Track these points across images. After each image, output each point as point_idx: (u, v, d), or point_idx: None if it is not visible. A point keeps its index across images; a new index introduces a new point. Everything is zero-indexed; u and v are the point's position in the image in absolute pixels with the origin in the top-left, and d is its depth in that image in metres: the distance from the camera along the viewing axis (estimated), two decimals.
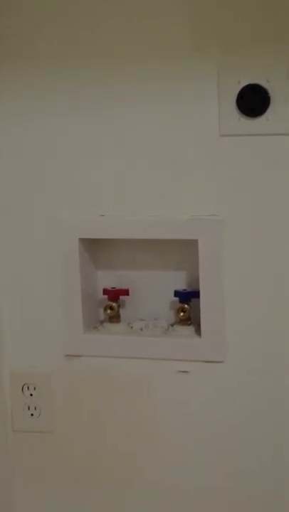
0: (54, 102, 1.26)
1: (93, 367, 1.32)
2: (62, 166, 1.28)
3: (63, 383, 1.34)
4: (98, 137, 1.26)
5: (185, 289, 1.30)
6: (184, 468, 1.32)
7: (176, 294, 1.30)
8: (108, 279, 1.34)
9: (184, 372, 1.29)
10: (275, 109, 1.17)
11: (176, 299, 1.30)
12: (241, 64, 1.17)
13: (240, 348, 1.26)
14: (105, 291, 1.32)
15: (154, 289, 1.32)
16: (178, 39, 1.19)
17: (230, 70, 1.18)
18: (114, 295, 1.32)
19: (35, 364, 1.35)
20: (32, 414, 1.36)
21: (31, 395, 1.36)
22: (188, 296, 1.29)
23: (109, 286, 1.33)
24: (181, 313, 1.30)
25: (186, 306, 1.29)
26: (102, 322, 1.35)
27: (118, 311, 1.32)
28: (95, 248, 1.33)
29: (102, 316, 1.36)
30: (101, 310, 1.35)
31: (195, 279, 1.27)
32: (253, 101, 1.17)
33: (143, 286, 1.32)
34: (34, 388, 1.35)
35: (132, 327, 1.32)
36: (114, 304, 1.32)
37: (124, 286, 1.32)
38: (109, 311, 1.32)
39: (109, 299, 1.32)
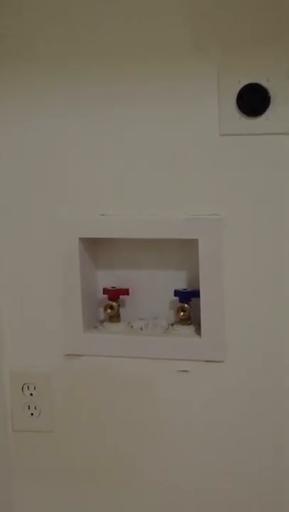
0: (54, 102, 1.26)
1: (93, 366, 1.32)
2: (62, 166, 1.28)
3: (63, 383, 1.34)
4: (98, 137, 1.26)
5: (185, 289, 1.30)
6: (184, 468, 1.32)
7: (176, 293, 1.30)
8: (108, 278, 1.34)
9: (184, 371, 1.29)
10: (275, 108, 1.17)
11: (176, 298, 1.30)
12: (241, 64, 1.18)
13: (240, 347, 1.26)
14: (105, 291, 1.32)
15: (154, 289, 1.32)
16: (178, 39, 1.19)
17: (230, 69, 1.18)
18: (114, 294, 1.32)
19: (35, 364, 1.35)
20: (32, 414, 1.36)
21: (31, 394, 1.36)
22: (188, 296, 1.29)
23: (109, 285, 1.33)
24: (181, 313, 1.30)
25: (186, 305, 1.29)
26: (102, 321, 1.35)
27: (118, 311, 1.33)
28: (95, 248, 1.33)
29: (102, 315, 1.36)
30: (101, 309, 1.35)
31: (195, 279, 1.27)
32: (253, 100, 1.17)
33: (143, 285, 1.33)
34: (34, 388, 1.35)
35: (132, 326, 1.32)
36: (114, 304, 1.32)
37: (124, 286, 1.32)
38: (109, 311, 1.32)
39: (110, 299, 1.33)
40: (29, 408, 1.36)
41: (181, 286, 1.31)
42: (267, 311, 1.24)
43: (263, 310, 1.24)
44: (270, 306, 1.24)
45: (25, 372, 1.36)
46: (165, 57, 1.20)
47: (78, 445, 1.36)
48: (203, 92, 1.20)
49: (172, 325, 1.32)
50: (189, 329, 1.30)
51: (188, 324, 1.30)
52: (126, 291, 1.32)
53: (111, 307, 1.32)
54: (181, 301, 1.30)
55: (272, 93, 1.17)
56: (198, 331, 1.29)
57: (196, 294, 1.27)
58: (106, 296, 1.33)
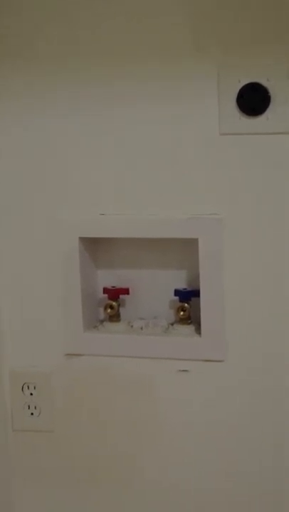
0: (54, 102, 1.26)
1: (93, 366, 1.32)
2: (62, 166, 1.28)
3: (63, 382, 1.34)
4: (98, 137, 1.26)
5: (185, 288, 1.30)
6: (184, 468, 1.32)
7: (176, 293, 1.30)
8: (108, 278, 1.34)
9: (183, 371, 1.29)
10: (275, 108, 1.17)
11: (176, 298, 1.30)
12: (241, 64, 1.18)
13: (240, 347, 1.26)
14: (105, 290, 1.32)
15: (154, 288, 1.33)
16: (178, 39, 1.19)
17: (230, 69, 1.18)
18: (115, 294, 1.32)
19: (35, 363, 1.35)
20: (32, 414, 1.36)
21: (31, 394, 1.36)
22: (188, 295, 1.29)
23: (109, 285, 1.33)
24: (181, 312, 1.30)
25: (186, 305, 1.29)
26: (102, 321, 1.35)
27: (118, 310, 1.33)
28: (95, 247, 1.33)
29: (102, 315, 1.36)
30: (101, 309, 1.35)
31: (195, 278, 1.27)
32: (253, 100, 1.17)
33: (143, 285, 1.33)
34: (34, 387, 1.35)
35: (132, 326, 1.32)
36: (114, 303, 1.32)
37: (124, 285, 1.32)
38: (109, 310, 1.32)
39: (110, 298, 1.33)
40: (29, 408, 1.36)
41: (181, 285, 1.31)
42: (267, 311, 1.24)
43: (263, 310, 1.24)
44: (270, 306, 1.24)
45: (25, 371, 1.36)
46: (165, 57, 1.20)
47: (78, 445, 1.36)
48: (203, 91, 1.20)
49: (172, 324, 1.32)
50: (189, 329, 1.30)
51: (188, 324, 1.30)
52: (126, 291, 1.32)
53: (111, 307, 1.32)
54: (181, 300, 1.30)
55: (272, 93, 1.17)
56: (198, 330, 1.29)
57: (196, 293, 1.27)
58: (106, 295, 1.33)
